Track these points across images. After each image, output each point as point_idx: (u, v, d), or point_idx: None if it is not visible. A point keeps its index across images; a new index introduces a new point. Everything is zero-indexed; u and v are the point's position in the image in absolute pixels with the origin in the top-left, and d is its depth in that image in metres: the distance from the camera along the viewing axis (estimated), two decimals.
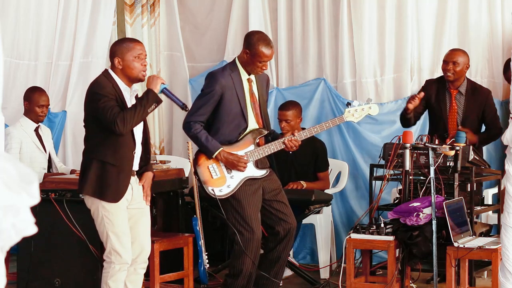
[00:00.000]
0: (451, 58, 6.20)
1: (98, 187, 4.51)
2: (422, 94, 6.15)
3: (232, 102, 5.16)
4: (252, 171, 5.22)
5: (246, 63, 5.19)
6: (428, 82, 6.47)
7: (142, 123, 4.65)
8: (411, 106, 6.11)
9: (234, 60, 5.30)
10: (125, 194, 4.55)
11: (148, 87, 4.52)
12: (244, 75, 5.23)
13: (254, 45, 5.12)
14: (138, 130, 4.63)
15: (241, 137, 5.23)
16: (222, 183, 5.18)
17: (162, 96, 4.60)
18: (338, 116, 5.49)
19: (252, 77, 5.28)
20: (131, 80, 4.58)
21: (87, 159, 4.59)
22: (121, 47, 4.57)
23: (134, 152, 4.58)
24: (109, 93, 4.46)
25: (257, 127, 5.27)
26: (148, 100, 4.44)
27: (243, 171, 5.17)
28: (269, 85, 5.55)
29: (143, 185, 4.72)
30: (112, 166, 4.50)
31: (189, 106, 5.54)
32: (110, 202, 4.51)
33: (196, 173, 5.25)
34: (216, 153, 5.13)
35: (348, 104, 5.40)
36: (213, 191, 5.16)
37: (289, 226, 5.28)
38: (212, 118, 5.21)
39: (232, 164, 5.15)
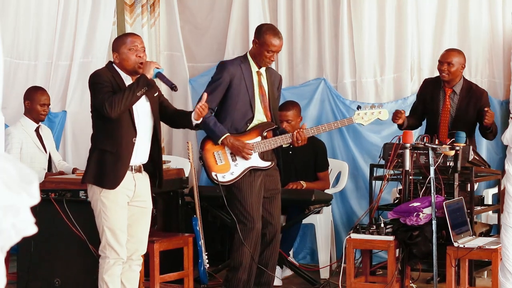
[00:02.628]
0: (446, 58, 6.16)
1: (98, 175, 4.57)
2: (403, 111, 6.13)
3: (240, 91, 5.26)
4: (256, 161, 5.27)
5: (255, 54, 5.30)
6: (426, 81, 6.48)
7: (149, 112, 4.69)
8: (400, 121, 6.09)
9: (246, 54, 5.41)
10: (122, 181, 4.55)
11: (142, 72, 4.57)
12: (254, 67, 5.34)
13: (263, 34, 5.24)
14: (141, 117, 4.65)
15: (249, 128, 5.28)
16: (226, 170, 5.24)
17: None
18: (347, 117, 5.55)
19: (262, 71, 5.37)
20: (130, 73, 4.65)
21: (91, 149, 4.68)
22: (117, 42, 4.72)
23: (135, 139, 4.60)
24: (104, 81, 4.55)
25: (265, 119, 5.33)
26: (138, 84, 4.50)
27: (247, 158, 5.22)
28: (281, 84, 5.65)
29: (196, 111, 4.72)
30: (110, 154, 4.55)
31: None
32: (108, 189, 4.54)
33: (201, 158, 5.29)
34: (223, 137, 5.20)
35: (359, 107, 5.44)
36: (216, 176, 5.22)
37: (274, 230, 5.35)
38: (220, 107, 5.29)
39: (238, 150, 5.20)
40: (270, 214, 5.34)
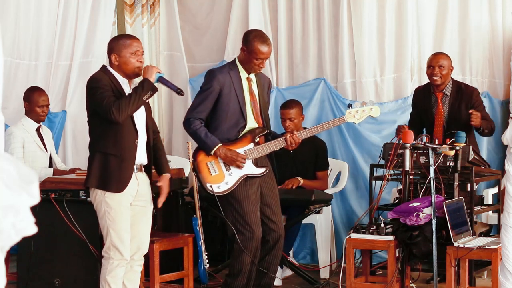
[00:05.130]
0: (436, 62, 6.13)
1: (102, 179, 4.56)
2: (406, 125, 6.11)
3: (231, 100, 5.18)
4: (251, 169, 5.22)
5: (244, 61, 5.21)
6: (416, 90, 6.47)
7: (144, 113, 4.69)
8: None
9: (234, 59, 5.31)
10: (128, 184, 4.56)
11: (144, 76, 4.57)
12: (243, 74, 5.25)
13: (251, 42, 5.15)
14: (140, 120, 4.66)
15: (240, 135, 5.24)
16: (220, 180, 5.19)
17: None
18: (339, 117, 5.50)
19: (252, 76, 5.29)
20: (128, 75, 4.63)
21: (91, 152, 4.66)
22: (118, 43, 4.65)
23: (137, 141, 4.60)
24: (105, 85, 4.53)
25: (257, 126, 5.28)
26: (143, 88, 4.50)
27: (241, 167, 5.17)
28: (270, 87, 5.56)
29: (161, 186, 4.76)
30: (113, 157, 4.54)
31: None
32: (114, 192, 4.53)
33: (194, 169, 5.26)
34: (215, 149, 5.14)
35: (350, 105, 5.40)
36: (211, 187, 5.17)
37: (278, 235, 5.29)
38: (211, 116, 5.23)
39: (231, 160, 5.15)
40: (272, 222, 5.28)
